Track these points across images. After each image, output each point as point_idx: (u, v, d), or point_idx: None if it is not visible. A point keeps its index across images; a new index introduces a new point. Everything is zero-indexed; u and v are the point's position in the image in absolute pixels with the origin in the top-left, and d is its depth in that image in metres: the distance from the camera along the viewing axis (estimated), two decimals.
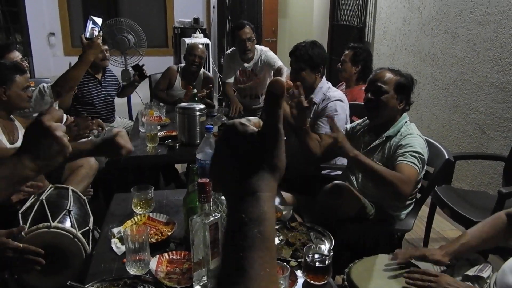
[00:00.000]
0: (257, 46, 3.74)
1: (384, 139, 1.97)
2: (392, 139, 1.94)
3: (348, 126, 2.27)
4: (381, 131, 2.00)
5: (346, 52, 3.21)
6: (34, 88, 2.61)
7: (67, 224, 1.47)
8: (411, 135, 1.91)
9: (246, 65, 3.74)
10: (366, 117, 2.14)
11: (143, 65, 3.75)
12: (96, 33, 2.47)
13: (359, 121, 2.23)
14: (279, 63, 3.73)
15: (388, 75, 1.96)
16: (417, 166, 1.80)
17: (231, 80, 3.83)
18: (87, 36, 2.45)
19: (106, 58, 3.47)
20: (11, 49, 2.75)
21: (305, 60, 2.42)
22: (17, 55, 2.74)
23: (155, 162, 2.69)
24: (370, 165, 1.79)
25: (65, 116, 2.88)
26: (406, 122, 1.98)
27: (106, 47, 3.46)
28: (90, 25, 2.48)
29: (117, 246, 1.48)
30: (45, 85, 2.58)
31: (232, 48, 3.85)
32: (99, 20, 2.52)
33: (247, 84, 3.83)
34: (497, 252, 2.09)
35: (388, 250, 2.04)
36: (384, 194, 1.89)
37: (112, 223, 1.65)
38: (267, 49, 3.80)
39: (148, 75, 3.80)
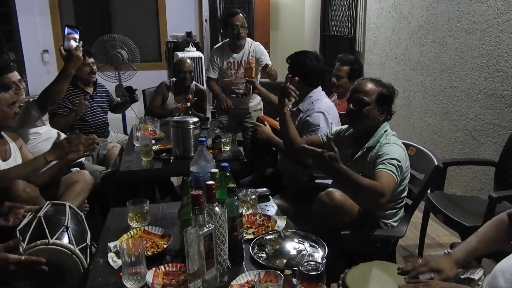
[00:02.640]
0: (248, 38, 3.66)
1: (365, 150, 1.98)
2: (372, 150, 1.95)
3: (332, 130, 2.26)
4: (363, 142, 2.01)
5: (338, 66, 3.14)
6: (22, 104, 2.63)
7: (65, 240, 1.47)
8: (388, 144, 1.91)
9: (235, 55, 3.64)
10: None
11: (135, 89, 3.73)
12: (74, 44, 2.42)
13: (344, 127, 2.22)
14: (267, 60, 3.61)
15: (370, 86, 1.96)
16: (395, 174, 1.79)
17: (215, 75, 3.71)
18: (66, 48, 2.41)
19: (93, 72, 3.45)
20: (11, 70, 2.74)
21: (289, 64, 2.49)
22: (15, 75, 2.75)
23: (150, 176, 2.70)
24: (352, 175, 1.71)
25: (57, 133, 2.90)
26: (386, 131, 1.99)
27: (92, 60, 3.45)
28: (67, 36, 2.42)
29: (113, 260, 1.49)
30: (31, 99, 2.59)
31: (221, 42, 3.77)
32: (76, 31, 2.46)
33: (233, 76, 3.68)
34: (490, 255, 2.11)
35: (382, 256, 2.07)
36: (363, 204, 1.90)
37: (109, 237, 1.66)
38: (258, 43, 3.72)
39: (138, 99, 3.76)
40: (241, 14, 3.50)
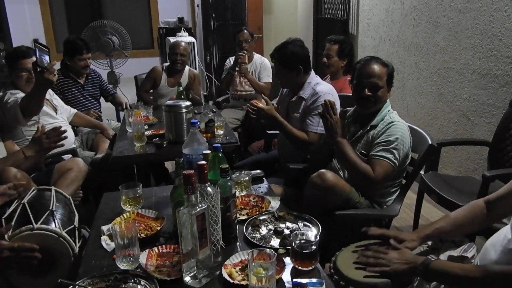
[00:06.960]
0: (258, 55, 4.12)
1: (368, 128, 2.00)
2: (376, 127, 1.97)
3: None
4: (367, 121, 2.02)
5: (328, 45, 3.20)
6: (15, 94, 2.59)
7: (52, 224, 1.45)
8: (393, 123, 1.93)
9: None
10: (349, 109, 2.17)
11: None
12: (45, 62, 2.28)
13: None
14: (267, 77, 3.99)
15: (379, 67, 1.96)
16: (391, 161, 1.87)
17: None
18: (39, 63, 2.26)
19: (87, 66, 3.52)
20: (25, 56, 2.66)
21: (278, 60, 2.45)
22: (29, 62, 2.61)
23: (144, 161, 2.69)
24: (348, 154, 1.91)
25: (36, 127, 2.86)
26: (389, 110, 2.01)
27: (89, 55, 3.52)
28: (38, 52, 2.25)
29: (107, 243, 1.49)
30: (19, 100, 2.52)
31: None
32: (45, 54, 2.31)
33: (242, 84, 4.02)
34: (482, 233, 2.12)
35: (376, 236, 2.07)
36: (358, 183, 1.96)
37: (102, 221, 1.66)
38: (266, 59, 4.06)
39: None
40: (245, 31, 4.00)
